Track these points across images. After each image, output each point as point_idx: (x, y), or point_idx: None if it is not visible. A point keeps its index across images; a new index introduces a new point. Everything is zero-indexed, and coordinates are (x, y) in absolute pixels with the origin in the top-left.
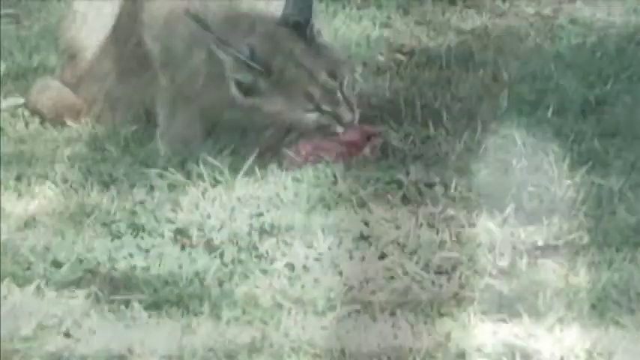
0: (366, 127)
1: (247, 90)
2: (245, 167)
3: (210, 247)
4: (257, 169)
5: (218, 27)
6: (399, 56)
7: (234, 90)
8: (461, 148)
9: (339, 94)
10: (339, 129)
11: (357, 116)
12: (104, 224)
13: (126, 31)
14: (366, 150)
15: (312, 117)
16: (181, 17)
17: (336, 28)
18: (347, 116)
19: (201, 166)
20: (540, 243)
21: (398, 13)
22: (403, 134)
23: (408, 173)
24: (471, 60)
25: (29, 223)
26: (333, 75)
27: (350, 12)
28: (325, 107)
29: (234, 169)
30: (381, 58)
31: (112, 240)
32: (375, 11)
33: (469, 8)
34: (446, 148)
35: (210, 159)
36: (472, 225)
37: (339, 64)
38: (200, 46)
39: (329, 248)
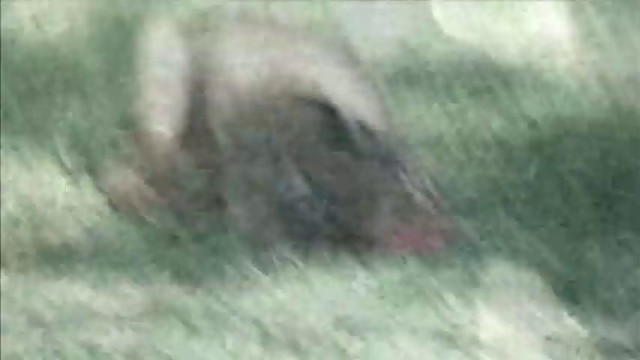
0: (442, 218)
1: None
2: (324, 259)
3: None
4: (329, 258)
5: None
6: None
7: None
8: None
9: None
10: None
11: (441, 205)
12: None
13: (199, 119)
14: (440, 241)
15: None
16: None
17: None
18: (427, 204)
19: (277, 258)
20: None
21: None
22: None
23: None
24: None
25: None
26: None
27: None
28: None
29: (312, 262)
30: None
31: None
32: None
33: None
34: None
35: (286, 252)
36: None
37: None
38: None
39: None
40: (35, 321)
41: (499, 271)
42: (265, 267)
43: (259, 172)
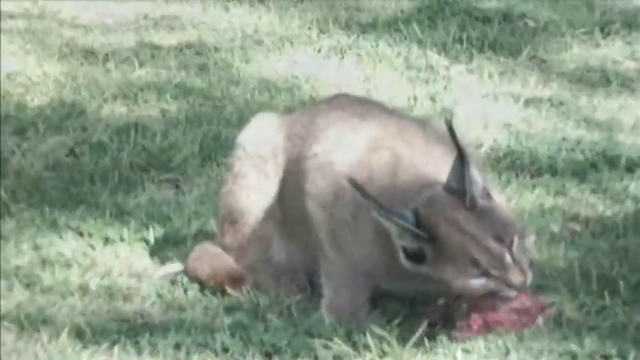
0: (539, 297)
1: (414, 257)
2: (414, 338)
3: None
4: (426, 340)
5: (382, 192)
6: (574, 225)
7: (402, 257)
8: (639, 319)
9: (507, 258)
10: (510, 293)
11: (530, 278)
12: None
13: (291, 197)
14: (540, 320)
15: (479, 283)
16: (347, 186)
17: (509, 197)
18: (517, 279)
19: (369, 336)
20: None
21: (573, 182)
22: (578, 304)
23: (582, 345)
24: None
25: None
26: (500, 238)
27: (523, 180)
28: (494, 272)
29: (403, 340)
30: (555, 228)
31: None
32: (550, 179)
33: None
34: (623, 319)
35: (377, 330)
36: None
37: (507, 225)
38: (367, 213)
39: None
40: None
41: (596, 347)
42: (358, 348)
43: (354, 252)
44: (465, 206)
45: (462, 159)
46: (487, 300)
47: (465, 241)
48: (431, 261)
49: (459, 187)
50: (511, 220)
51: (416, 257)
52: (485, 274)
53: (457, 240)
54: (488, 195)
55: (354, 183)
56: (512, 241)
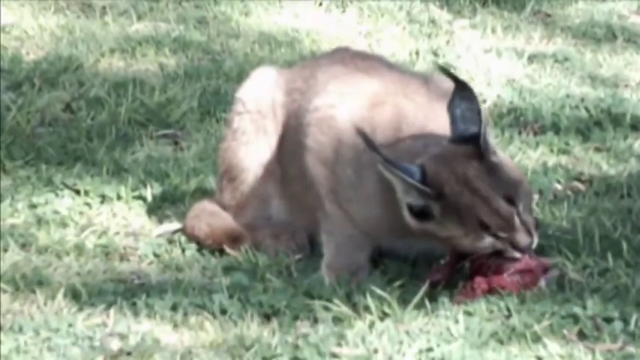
0: (542, 258)
1: (420, 214)
2: (415, 300)
3: None
4: (427, 302)
5: (388, 146)
6: (578, 185)
7: (406, 214)
8: None
9: (516, 220)
10: (517, 254)
11: (536, 239)
12: (264, 359)
13: (290, 153)
14: (542, 282)
15: (487, 242)
16: (349, 142)
17: (511, 155)
18: (524, 241)
19: (369, 298)
20: None
21: (577, 140)
22: (580, 266)
23: (585, 307)
24: None
25: (185, 355)
26: (510, 199)
27: (526, 138)
28: (501, 234)
29: (404, 302)
30: (558, 187)
31: None
32: (553, 137)
33: None
34: (626, 281)
35: (378, 291)
36: None
37: (517, 185)
38: (370, 170)
39: None
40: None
41: (598, 309)
42: (358, 309)
43: (357, 210)
44: (476, 159)
45: (471, 100)
46: (492, 260)
47: (475, 202)
48: (437, 219)
49: (469, 132)
50: (520, 178)
51: (422, 215)
52: (494, 235)
53: (467, 200)
54: (494, 150)
55: (362, 134)
56: (520, 202)
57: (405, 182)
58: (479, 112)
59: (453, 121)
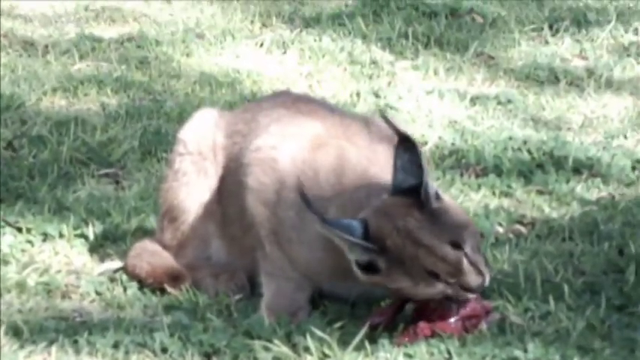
0: (483, 301)
1: (368, 268)
2: (355, 341)
3: None
4: (367, 344)
5: (330, 198)
6: (520, 227)
7: (355, 269)
8: (583, 325)
9: (465, 263)
10: (470, 295)
11: (488, 278)
12: None
13: (230, 195)
14: (483, 325)
15: (439, 289)
16: (291, 184)
17: (453, 197)
18: (475, 282)
19: (309, 338)
20: None
21: (519, 182)
22: (522, 309)
23: (526, 351)
24: (596, 232)
25: None
26: (455, 244)
27: (468, 180)
28: (451, 280)
29: (344, 343)
30: (500, 230)
31: None
32: (495, 179)
33: (595, 177)
34: (567, 325)
35: (318, 332)
36: None
37: (462, 228)
38: (312, 215)
39: None
40: None
41: (540, 353)
42: (298, 350)
43: (298, 252)
44: (417, 210)
45: (412, 151)
46: (437, 303)
47: (418, 253)
48: (384, 272)
49: (410, 184)
50: (465, 220)
51: (369, 269)
52: (444, 281)
53: (410, 252)
54: (438, 195)
55: (302, 196)
56: (467, 244)
57: (348, 241)
58: (420, 165)
59: (395, 171)
